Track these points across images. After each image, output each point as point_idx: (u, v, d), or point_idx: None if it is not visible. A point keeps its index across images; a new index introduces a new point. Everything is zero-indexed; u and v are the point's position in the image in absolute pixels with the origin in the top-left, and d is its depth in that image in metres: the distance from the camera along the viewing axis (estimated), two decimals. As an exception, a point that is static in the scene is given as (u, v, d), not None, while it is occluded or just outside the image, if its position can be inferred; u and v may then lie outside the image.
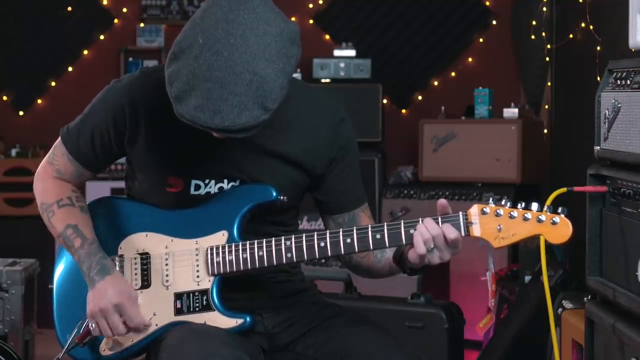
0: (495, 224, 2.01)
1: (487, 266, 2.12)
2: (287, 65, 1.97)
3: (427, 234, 2.03)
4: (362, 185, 2.33)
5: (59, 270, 2.32)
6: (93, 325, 2.16)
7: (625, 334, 2.23)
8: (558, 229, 1.98)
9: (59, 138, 2.29)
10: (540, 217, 1.99)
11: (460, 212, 2.03)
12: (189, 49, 1.95)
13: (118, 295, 2.14)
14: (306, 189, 2.28)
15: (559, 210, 1.99)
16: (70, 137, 2.26)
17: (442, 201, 2.06)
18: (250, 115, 1.93)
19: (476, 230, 2.02)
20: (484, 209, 2.02)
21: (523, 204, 2.01)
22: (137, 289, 2.21)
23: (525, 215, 1.99)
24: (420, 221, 2.05)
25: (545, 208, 2.00)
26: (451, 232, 2.02)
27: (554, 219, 1.98)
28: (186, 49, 1.95)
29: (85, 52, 6.10)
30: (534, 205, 2.00)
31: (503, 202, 2.02)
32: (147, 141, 2.19)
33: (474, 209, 2.03)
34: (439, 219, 2.04)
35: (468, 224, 2.02)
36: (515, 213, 2.00)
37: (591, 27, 3.80)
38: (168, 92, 1.97)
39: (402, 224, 2.05)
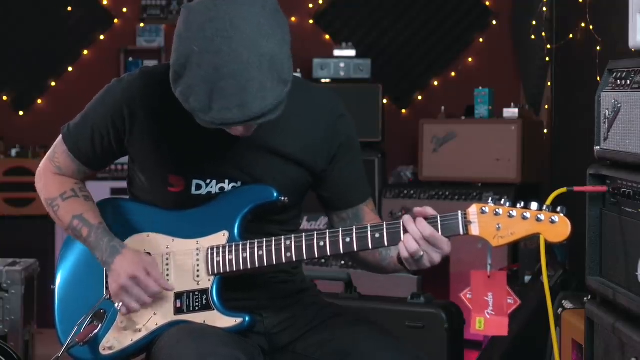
0: (494, 223, 2.01)
1: (486, 263, 2.12)
2: (284, 34, 1.97)
3: (413, 244, 2.02)
4: (366, 180, 2.33)
5: (61, 271, 2.32)
6: (119, 306, 2.18)
7: (625, 334, 2.23)
8: (557, 227, 1.98)
9: (60, 136, 2.30)
10: (539, 216, 1.99)
11: (459, 211, 2.03)
12: (189, 61, 1.94)
13: (131, 268, 2.16)
14: (308, 187, 2.28)
15: (558, 209, 1.99)
16: (71, 136, 2.27)
17: (417, 209, 2.06)
18: (274, 93, 1.93)
19: (475, 230, 2.02)
20: (483, 208, 2.02)
21: (522, 203, 2.01)
22: None
23: (524, 214, 1.99)
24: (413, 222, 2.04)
25: (544, 207, 2.00)
26: (425, 229, 2.02)
27: (552, 217, 1.98)
28: (186, 64, 1.94)
29: (85, 52, 6.11)
30: (534, 205, 2.00)
31: (502, 202, 2.02)
32: (148, 141, 2.19)
33: (473, 209, 2.02)
34: (438, 218, 2.04)
35: (467, 223, 2.02)
36: (514, 212, 2.00)
37: (591, 27, 3.80)
38: (188, 110, 1.96)
39: (402, 223, 2.05)
